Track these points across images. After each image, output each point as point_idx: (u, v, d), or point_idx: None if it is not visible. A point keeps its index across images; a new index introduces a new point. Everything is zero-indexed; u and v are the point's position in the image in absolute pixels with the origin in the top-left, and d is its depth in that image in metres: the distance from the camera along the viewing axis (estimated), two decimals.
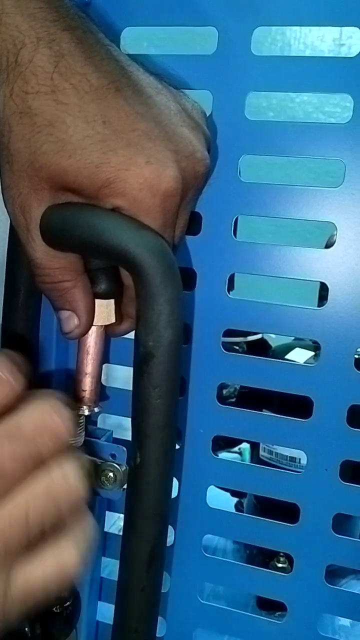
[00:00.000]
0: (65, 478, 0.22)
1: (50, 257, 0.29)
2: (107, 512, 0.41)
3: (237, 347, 0.52)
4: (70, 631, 0.33)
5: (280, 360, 0.36)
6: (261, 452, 0.52)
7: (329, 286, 0.34)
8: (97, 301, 0.32)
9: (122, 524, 0.32)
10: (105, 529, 0.42)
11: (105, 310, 0.32)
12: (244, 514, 0.39)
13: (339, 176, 0.33)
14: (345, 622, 0.43)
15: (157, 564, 0.32)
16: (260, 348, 0.58)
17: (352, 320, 0.34)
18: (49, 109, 0.26)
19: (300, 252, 0.34)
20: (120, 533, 0.33)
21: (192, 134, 0.30)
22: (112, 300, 0.32)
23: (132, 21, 0.35)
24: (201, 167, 0.30)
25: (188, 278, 0.36)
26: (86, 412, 0.33)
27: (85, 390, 0.33)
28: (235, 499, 0.60)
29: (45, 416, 0.21)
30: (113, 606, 0.32)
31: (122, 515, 0.33)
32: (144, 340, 0.28)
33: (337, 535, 0.36)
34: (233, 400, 0.50)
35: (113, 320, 0.32)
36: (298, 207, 0.34)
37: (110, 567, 0.42)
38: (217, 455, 0.58)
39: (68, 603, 0.34)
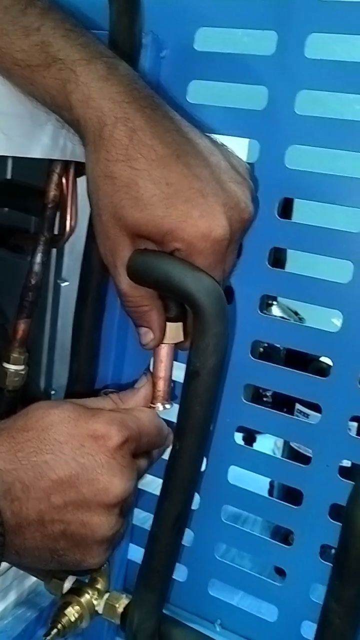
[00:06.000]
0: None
1: (132, 288, 0.37)
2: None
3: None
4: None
5: (298, 372, 0.42)
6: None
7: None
8: (169, 324, 0.39)
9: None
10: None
11: (175, 331, 0.40)
12: (254, 492, 0.46)
13: None
14: None
15: (181, 524, 0.41)
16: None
17: None
18: (125, 173, 0.34)
19: (324, 283, 0.41)
20: (151, 491, 0.43)
21: (237, 188, 0.36)
22: (181, 323, 0.40)
23: (197, 75, 0.43)
24: (245, 214, 0.37)
25: (227, 294, 0.43)
26: (160, 408, 0.41)
27: (159, 390, 0.40)
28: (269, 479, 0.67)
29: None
30: (141, 549, 0.41)
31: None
32: (193, 361, 0.36)
33: (332, 520, 0.43)
34: (267, 399, 0.57)
35: (181, 339, 0.40)
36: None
37: (140, 517, 0.51)
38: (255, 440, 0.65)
39: None
